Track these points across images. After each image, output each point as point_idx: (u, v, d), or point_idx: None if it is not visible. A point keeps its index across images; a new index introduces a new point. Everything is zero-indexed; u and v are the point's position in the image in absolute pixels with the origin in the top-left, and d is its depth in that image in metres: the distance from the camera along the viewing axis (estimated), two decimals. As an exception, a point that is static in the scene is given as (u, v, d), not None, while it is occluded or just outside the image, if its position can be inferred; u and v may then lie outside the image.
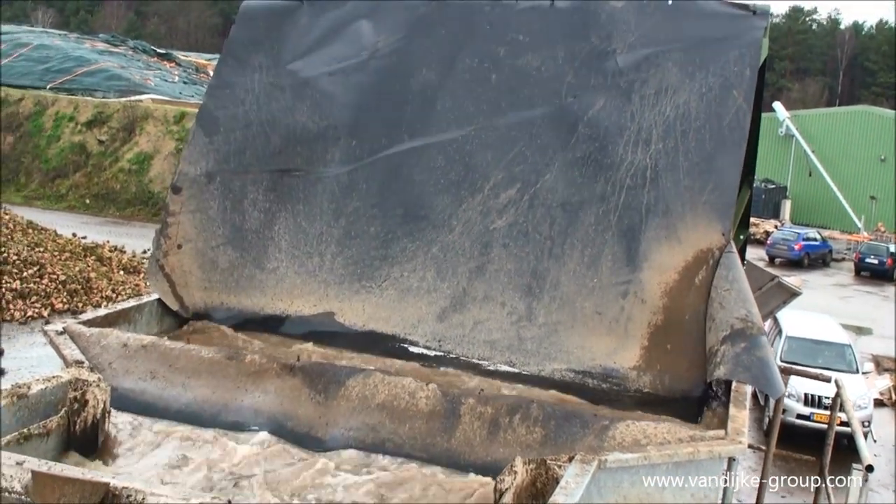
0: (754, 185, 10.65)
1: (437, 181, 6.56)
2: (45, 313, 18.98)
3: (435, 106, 6.79)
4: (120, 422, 5.29)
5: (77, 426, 4.97)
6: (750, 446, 5.89)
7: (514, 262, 6.24)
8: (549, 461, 4.46)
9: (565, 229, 6.24)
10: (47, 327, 5.84)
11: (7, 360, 17.13)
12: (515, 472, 4.36)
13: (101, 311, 6.36)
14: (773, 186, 64.96)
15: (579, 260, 6.15)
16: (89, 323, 5.94)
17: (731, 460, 4.81)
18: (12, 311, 18.89)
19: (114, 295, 19.57)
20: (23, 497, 3.08)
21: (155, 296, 6.62)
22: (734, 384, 5.39)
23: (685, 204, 6.14)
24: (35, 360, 16.64)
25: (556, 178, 6.37)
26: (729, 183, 6.20)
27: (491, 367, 6.03)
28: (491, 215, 6.37)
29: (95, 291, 19.87)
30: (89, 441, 4.98)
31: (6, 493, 3.11)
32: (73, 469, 3.04)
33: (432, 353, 6.12)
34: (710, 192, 6.15)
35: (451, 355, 6.10)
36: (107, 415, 5.06)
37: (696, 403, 5.68)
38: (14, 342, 17.99)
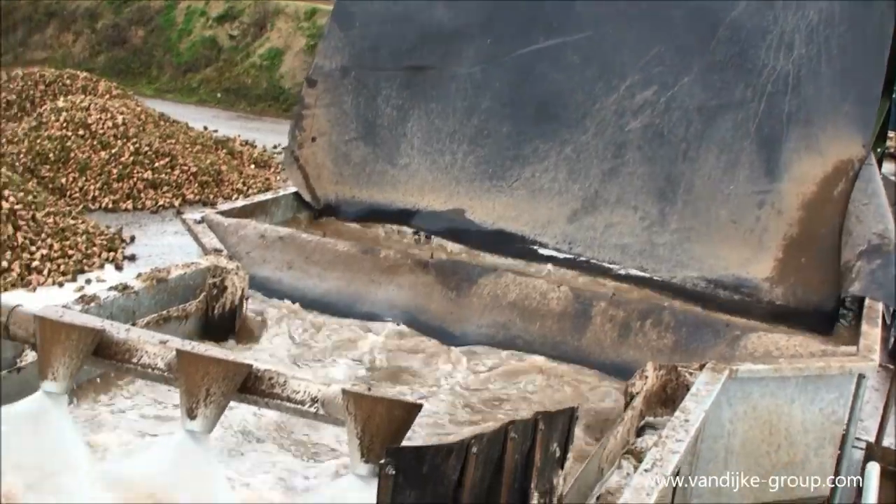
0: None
1: (570, 80, 6.48)
2: (177, 203, 19.38)
3: (572, 5, 6.67)
4: (257, 308, 5.44)
5: (215, 311, 5.14)
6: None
7: (647, 165, 6.15)
8: (679, 368, 4.47)
9: (702, 134, 6.11)
10: (186, 216, 6.00)
11: (138, 246, 17.57)
12: (646, 377, 4.38)
13: (238, 203, 6.52)
14: (911, 99, 62.46)
15: (715, 165, 6.03)
16: (227, 213, 6.10)
17: (860, 377, 4.74)
18: (144, 200, 19.31)
19: (244, 188, 19.83)
20: (166, 374, 3.17)
21: (290, 190, 6.76)
22: (867, 301, 5.29)
23: (827, 113, 5.97)
24: (166, 248, 17.06)
25: (694, 82, 6.22)
26: (871, 93, 6.01)
27: (622, 272, 6.01)
28: (626, 116, 6.27)
29: (226, 184, 20.16)
30: (227, 325, 5.15)
31: (150, 370, 3.20)
32: (217, 349, 3.11)
33: (562, 256, 6.12)
34: (851, 102, 5.96)
35: (582, 258, 6.09)
36: (245, 301, 5.20)
37: (828, 318, 5.59)
38: (145, 230, 18.45)
